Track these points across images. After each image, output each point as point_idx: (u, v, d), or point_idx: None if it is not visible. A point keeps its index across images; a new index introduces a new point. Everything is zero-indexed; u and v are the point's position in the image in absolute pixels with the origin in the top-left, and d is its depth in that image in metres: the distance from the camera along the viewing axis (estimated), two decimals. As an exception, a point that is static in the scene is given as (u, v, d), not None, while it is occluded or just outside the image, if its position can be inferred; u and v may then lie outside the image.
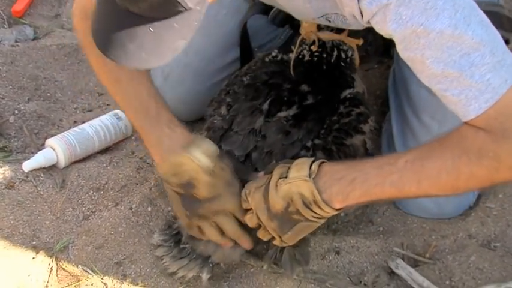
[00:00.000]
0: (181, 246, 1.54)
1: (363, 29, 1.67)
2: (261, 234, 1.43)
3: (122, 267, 1.59)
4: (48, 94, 2.05)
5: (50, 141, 1.80)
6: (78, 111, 2.01)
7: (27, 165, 1.75)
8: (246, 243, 1.47)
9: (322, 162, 1.34)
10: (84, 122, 1.93)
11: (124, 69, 1.36)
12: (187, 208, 1.41)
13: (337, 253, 1.62)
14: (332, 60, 1.66)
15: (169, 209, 1.70)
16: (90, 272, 1.57)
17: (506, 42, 1.21)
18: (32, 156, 1.77)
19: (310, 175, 1.31)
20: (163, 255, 1.55)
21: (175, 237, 1.56)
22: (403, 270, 1.57)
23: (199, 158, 1.36)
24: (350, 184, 1.29)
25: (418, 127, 1.69)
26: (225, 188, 1.40)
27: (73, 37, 2.21)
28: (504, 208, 1.72)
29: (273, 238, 1.42)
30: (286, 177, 1.33)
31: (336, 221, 1.76)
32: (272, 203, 1.34)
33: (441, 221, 1.72)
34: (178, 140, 1.39)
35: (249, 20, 1.78)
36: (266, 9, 1.80)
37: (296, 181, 1.31)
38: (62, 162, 1.78)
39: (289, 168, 1.35)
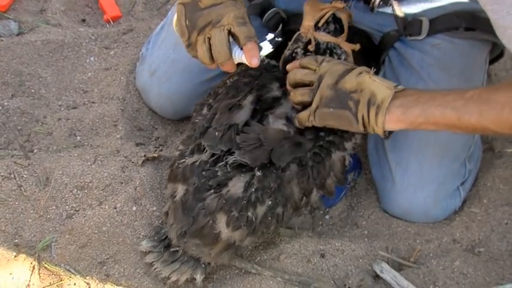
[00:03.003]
0: (171, 250, 1.53)
1: (352, 32, 1.67)
2: (300, 92, 1.48)
3: (105, 267, 1.57)
4: (33, 90, 2.02)
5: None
6: (62, 108, 1.98)
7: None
8: (228, 65, 1.51)
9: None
10: (68, 120, 1.91)
11: None
12: (189, 18, 1.51)
13: (322, 256, 1.62)
14: None
15: (154, 209, 1.69)
16: (73, 271, 1.56)
17: None
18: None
19: (395, 87, 1.38)
20: (153, 261, 1.54)
21: (164, 242, 1.55)
22: (388, 274, 1.58)
23: None
24: (415, 100, 1.36)
25: None
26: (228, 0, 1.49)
27: (58, 33, 2.18)
28: (489, 213, 1.73)
29: (304, 107, 1.47)
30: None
31: (321, 223, 1.76)
32: (346, 79, 1.42)
33: (426, 225, 1.73)
34: None
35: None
36: (261, 12, 1.80)
37: (380, 82, 1.40)
38: None
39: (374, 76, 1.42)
